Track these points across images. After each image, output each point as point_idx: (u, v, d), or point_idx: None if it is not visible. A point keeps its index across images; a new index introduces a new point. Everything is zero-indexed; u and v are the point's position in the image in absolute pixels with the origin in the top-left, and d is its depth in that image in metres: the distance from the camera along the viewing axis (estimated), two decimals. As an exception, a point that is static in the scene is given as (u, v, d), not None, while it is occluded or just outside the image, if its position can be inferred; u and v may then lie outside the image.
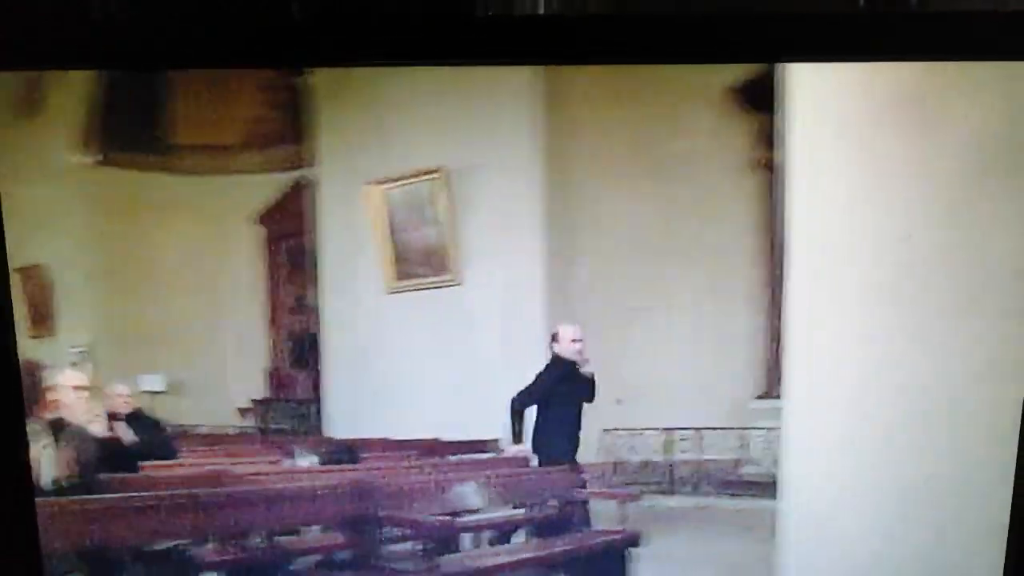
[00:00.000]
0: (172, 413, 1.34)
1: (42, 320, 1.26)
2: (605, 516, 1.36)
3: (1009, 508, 1.20)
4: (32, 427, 1.05)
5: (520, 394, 1.37)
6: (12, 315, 1.10)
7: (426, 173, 1.33)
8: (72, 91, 1.23)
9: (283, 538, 1.30)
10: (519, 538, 1.50)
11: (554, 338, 1.37)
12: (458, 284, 1.37)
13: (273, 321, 1.43)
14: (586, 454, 1.34)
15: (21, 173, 1.17)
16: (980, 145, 1.16)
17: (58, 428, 1.18)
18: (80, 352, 1.28)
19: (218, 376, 1.38)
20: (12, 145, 1.11)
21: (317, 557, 1.34)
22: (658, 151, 1.20)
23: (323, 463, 1.38)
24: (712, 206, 1.24)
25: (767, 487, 1.37)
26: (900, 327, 1.23)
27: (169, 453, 1.30)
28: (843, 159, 1.20)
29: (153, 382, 1.32)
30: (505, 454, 1.39)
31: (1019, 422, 1.16)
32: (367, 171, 1.34)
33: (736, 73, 1.19)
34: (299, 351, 1.43)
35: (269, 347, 1.43)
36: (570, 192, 1.31)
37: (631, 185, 1.24)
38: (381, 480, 1.30)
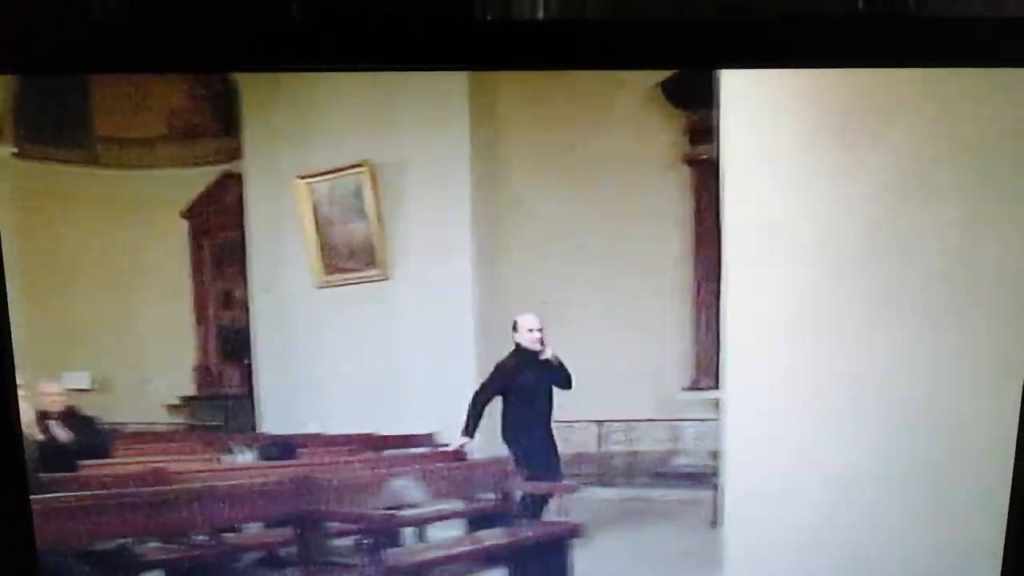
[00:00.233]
0: (99, 411, 1.44)
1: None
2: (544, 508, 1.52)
3: (937, 496, 1.42)
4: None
5: (480, 387, 1.49)
6: (7, 314, 1.18)
7: (352, 167, 1.46)
8: (-13, 81, 1.38)
9: (227, 535, 1.43)
10: (462, 531, 1.59)
11: (514, 327, 1.48)
12: (387, 279, 1.51)
13: (201, 317, 1.56)
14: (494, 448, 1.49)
15: (-66, 166, 1.32)
16: (919, 144, 1.34)
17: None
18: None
19: (145, 373, 1.50)
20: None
21: (261, 553, 1.47)
22: (586, 147, 1.33)
23: (261, 459, 1.51)
24: (640, 202, 1.38)
25: (701, 477, 1.58)
26: (828, 321, 1.43)
27: (105, 451, 1.43)
28: (777, 154, 1.38)
29: (78, 380, 1.41)
30: (450, 447, 1.53)
31: (949, 407, 1.38)
32: (293, 164, 1.47)
33: (666, 71, 1.39)
34: (228, 347, 1.57)
35: (197, 343, 1.57)
36: (498, 188, 1.43)
37: (559, 181, 1.38)
38: (322, 475, 1.43)
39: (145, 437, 1.53)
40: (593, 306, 1.44)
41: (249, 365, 1.54)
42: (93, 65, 1.18)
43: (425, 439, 1.52)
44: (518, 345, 1.48)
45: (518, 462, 1.53)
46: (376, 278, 1.52)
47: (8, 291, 1.39)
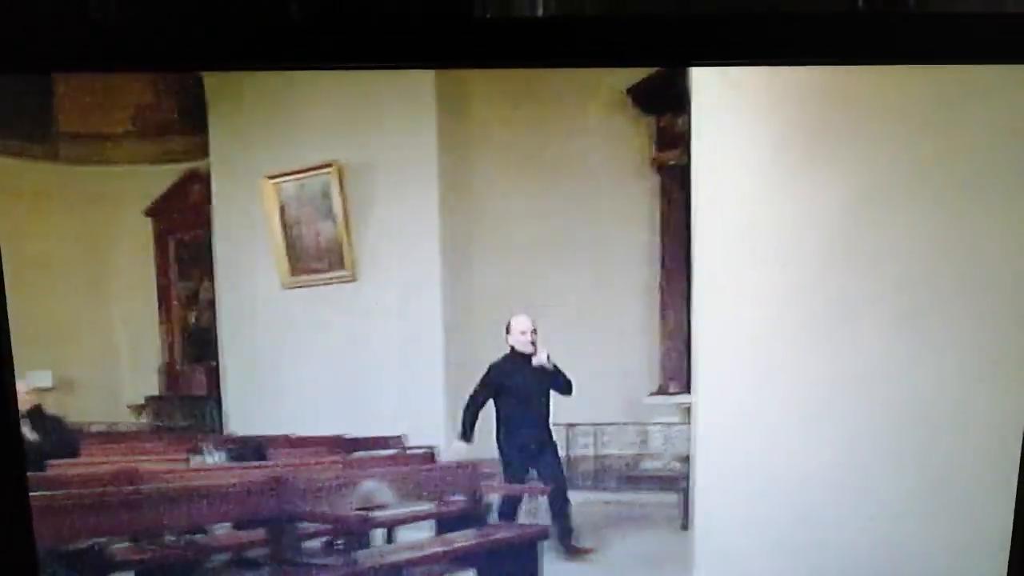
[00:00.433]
0: (62, 410, 1.58)
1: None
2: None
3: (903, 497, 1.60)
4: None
5: (473, 391, 1.61)
6: (5, 315, 1.34)
7: (319, 167, 1.58)
8: (-55, 75, 1.37)
9: (198, 536, 1.57)
10: (432, 532, 1.74)
11: (507, 329, 1.60)
12: (355, 280, 1.64)
13: (165, 316, 1.67)
14: (489, 449, 1.64)
15: None
16: (890, 150, 1.50)
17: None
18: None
19: (109, 372, 1.62)
20: None
21: (233, 554, 1.60)
22: (554, 150, 1.45)
23: (230, 460, 1.65)
24: (609, 206, 1.49)
25: (670, 481, 1.77)
26: (797, 325, 1.60)
27: (73, 451, 1.56)
28: (749, 159, 1.54)
29: (40, 379, 1.55)
30: (449, 453, 1.65)
31: (919, 409, 1.55)
32: (260, 164, 1.58)
33: (637, 74, 1.41)
34: (194, 347, 1.68)
35: (162, 343, 1.68)
36: (466, 190, 1.55)
37: (528, 184, 1.49)
38: (292, 476, 1.57)
39: (112, 437, 1.64)
40: (561, 309, 1.56)
41: (216, 365, 1.66)
42: (91, 64, 1.31)
43: (395, 441, 1.64)
44: (512, 348, 1.61)
45: (512, 465, 1.66)
46: (344, 279, 1.64)
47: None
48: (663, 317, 1.55)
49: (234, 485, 1.57)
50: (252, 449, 1.68)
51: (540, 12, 1.33)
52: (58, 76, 1.50)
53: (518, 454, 1.66)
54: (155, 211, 1.63)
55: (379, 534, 1.73)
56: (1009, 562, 1.44)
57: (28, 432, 1.52)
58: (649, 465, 1.64)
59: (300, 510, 1.61)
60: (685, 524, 1.56)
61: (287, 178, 1.61)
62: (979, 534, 1.48)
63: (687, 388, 1.52)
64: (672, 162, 1.49)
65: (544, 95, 1.42)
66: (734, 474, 1.55)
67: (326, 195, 1.61)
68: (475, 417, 1.63)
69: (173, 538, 1.57)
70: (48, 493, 1.45)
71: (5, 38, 1.16)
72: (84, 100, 1.53)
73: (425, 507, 1.75)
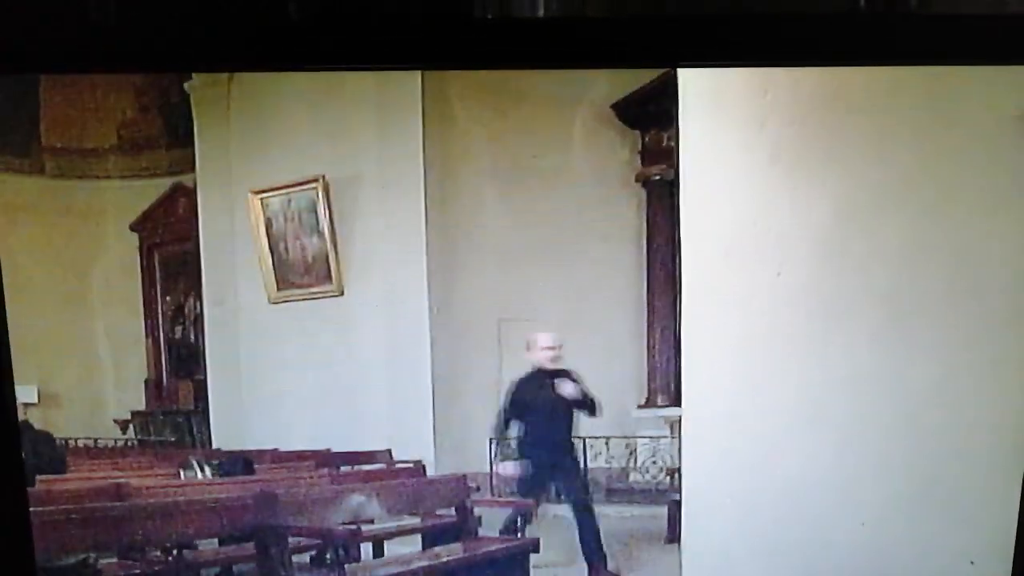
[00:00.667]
0: (48, 425, 1.59)
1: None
2: (500, 524, 1.71)
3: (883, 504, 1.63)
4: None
5: (500, 411, 1.62)
6: (5, 319, 1.35)
7: (305, 182, 1.62)
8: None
9: (188, 551, 1.58)
10: (419, 546, 1.76)
11: (528, 346, 1.61)
12: (341, 294, 1.67)
13: (151, 330, 1.71)
14: (476, 463, 1.67)
15: None
16: (872, 166, 1.54)
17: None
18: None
19: (95, 387, 1.64)
20: None
21: (221, 569, 1.63)
22: (540, 164, 1.48)
23: (219, 475, 1.68)
24: (595, 219, 1.53)
25: (657, 494, 1.81)
26: (784, 338, 1.64)
27: (61, 466, 1.59)
28: (736, 171, 1.58)
29: (25, 394, 1.55)
30: (499, 472, 1.69)
31: (902, 419, 1.59)
32: (246, 178, 1.61)
33: (622, 89, 1.47)
34: (180, 361, 1.73)
35: (148, 357, 1.72)
36: (452, 204, 1.59)
37: (513, 198, 1.52)
38: (282, 491, 1.59)
39: (100, 452, 1.68)
40: (547, 323, 1.59)
41: (202, 380, 1.69)
42: (88, 65, 1.32)
43: (382, 455, 1.68)
44: (536, 366, 1.61)
45: (533, 480, 1.68)
46: (330, 293, 1.68)
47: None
48: (650, 329, 1.59)
49: (223, 500, 1.60)
50: (240, 464, 1.71)
51: (540, 13, 1.37)
52: (44, 89, 1.53)
53: (539, 469, 1.68)
54: (141, 225, 1.66)
55: (368, 548, 1.75)
56: (1012, 572, 1.47)
57: (15, 446, 1.54)
58: (638, 478, 1.68)
59: (289, 524, 1.64)
60: (672, 538, 1.60)
61: (273, 193, 1.64)
62: (975, 540, 1.52)
63: (675, 400, 1.55)
64: (658, 176, 1.53)
65: (530, 109, 1.46)
66: (723, 485, 1.59)
67: (312, 210, 1.65)
68: (507, 436, 1.67)
69: (160, 553, 1.60)
70: (38, 508, 1.48)
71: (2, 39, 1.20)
72: (70, 114, 1.56)
73: (413, 521, 1.78)
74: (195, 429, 1.71)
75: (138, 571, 1.58)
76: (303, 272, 1.69)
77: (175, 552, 1.60)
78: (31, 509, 1.44)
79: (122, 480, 1.63)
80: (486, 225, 1.56)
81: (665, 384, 1.55)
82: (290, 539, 1.65)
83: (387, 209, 1.62)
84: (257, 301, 1.69)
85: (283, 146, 1.57)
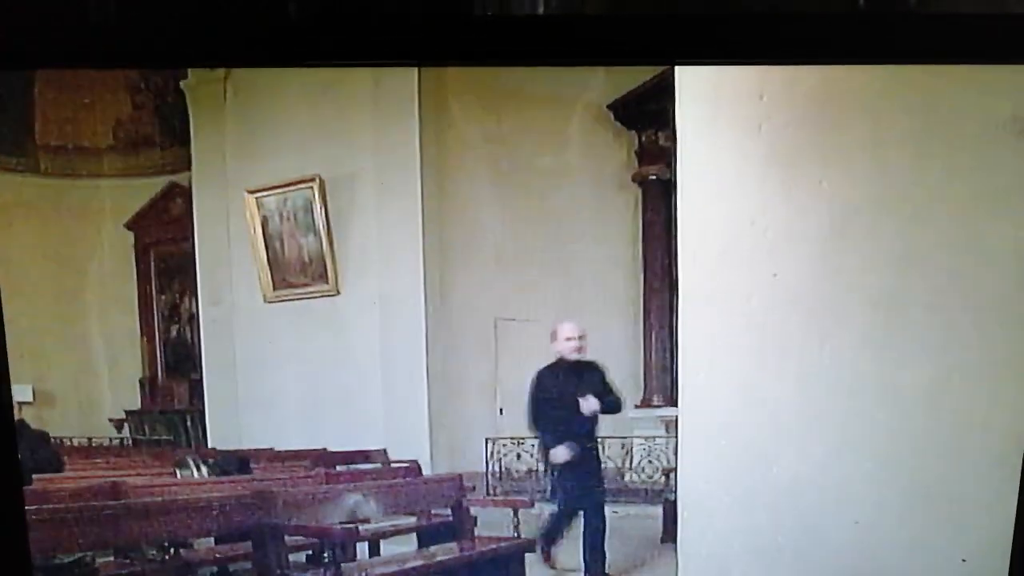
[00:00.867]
0: (43, 424, 1.62)
1: None
2: (496, 523, 1.73)
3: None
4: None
5: (528, 401, 1.62)
6: (2, 323, 1.47)
7: (301, 182, 1.64)
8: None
9: (184, 550, 1.63)
10: (414, 545, 1.79)
11: (552, 336, 1.60)
12: (337, 294, 1.70)
13: (146, 329, 1.74)
14: (472, 463, 1.71)
15: None
16: (876, 158, 1.57)
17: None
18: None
19: (90, 386, 1.68)
20: None
21: (218, 567, 1.67)
22: (537, 164, 1.51)
23: (215, 474, 1.70)
24: (591, 219, 1.55)
25: (653, 494, 1.84)
26: (782, 337, 1.67)
27: (58, 465, 1.61)
28: (733, 173, 1.60)
29: (20, 393, 1.52)
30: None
31: (893, 421, 1.62)
32: (242, 177, 1.64)
33: (619, 89, 1.48)
34: (175, 360, 1.75)
35: (143, 356, 1.74)
36: (448, 203, 1.62)
37: (510, 198, 1.55)
38: (278, 490, 1.61)
39: (96, 451, 1.71)
40: (545, 323, 1.59)
41: (197, 379, 1.72)
42: (86, 61, 1.32)
43: (378, 454, 1.70)
44: (559, 355, 1.60)
45: (552, 472, 1.69)
46: (326, 293, 1.70)
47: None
48: (647, 329, 1.61)
49: (220, 499, 1.63)
50: (236, 463, 1.73)
51: (540, 10, 1.39)
52: (40, 88, 1.55)
53: (561, 463, 1.68)
54: (136, 224, 1.68)
55: (364, 548, 1.78)
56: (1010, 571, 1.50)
57: (10, 446, 1.57)
58: (634, 478, 1.70)
59: (285, 523, 1.67)
60: (667, 537, 1.63)
61: (269, 192, 1.66)
62: (966, 538, 1.54)
63: (671, 401, 1.58)
64: (654, 176, 1.56)
65: (527, 109, 1.48)
66: (718, 485, 1.61)
67: (308, 209, 1.67)
68: (552, 408, 1.66)
69: (156, 552, 1.63)
70: (35, 507, 1.51)
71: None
72: (66, 113, 1.59)
73: (409, 520, 1.81)
74: (190, 428, 1.73)
75: (135, 569, 1.60)
76: (299, 271, 1.72)
77: (172, 551, 1.63)
78: (29, 508, 1.47)
79: (117, 479, 1.66)
80: (482, 224, 1.58)
81: (661, 384, 1.58)
82: (287, 538, 1.68)
83: (383, 208, 1.65)
84: (253, 300, 1.71)
85: (279, 145, 1.60)
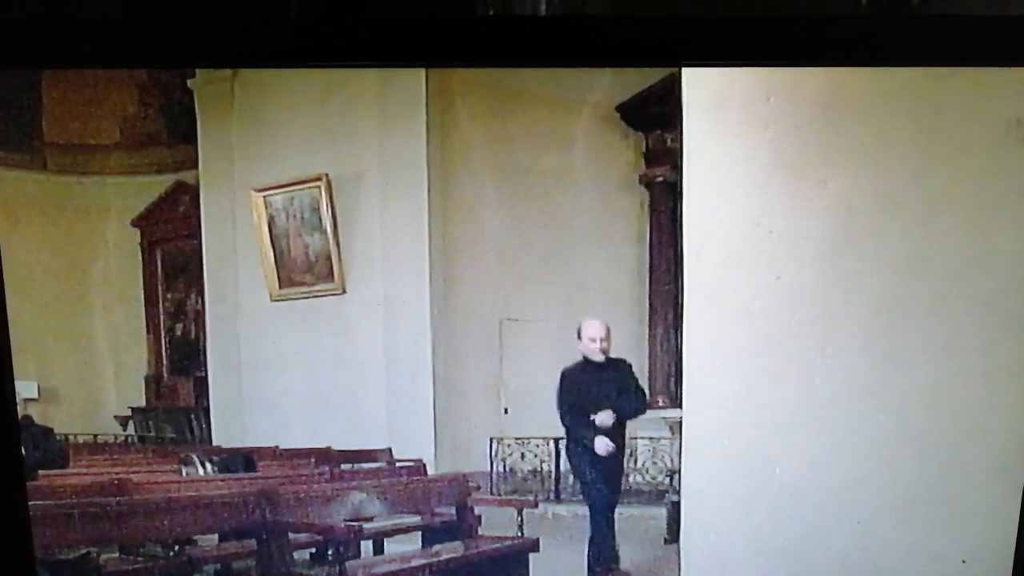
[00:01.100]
0: (48, 421, 1.65)
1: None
2: (500, 523, 1.77)
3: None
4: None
5: (557, 403, 1.64)
6: (5, 315, 1.42)
7: (308, 180, 1.66)
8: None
9: (188, 547, 1.66)
10: (419, 544, 1.83)
11: (577, 334, 1.62)
12: (342, 293, 1.72)
13: (152, 327, 1.76)
14: (477, 462, 1.74)
15: None
16: (881, 160, 1.59)
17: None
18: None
19: (95, 383, 1.70)
20: None
21: (222, 565, 1.69)
22: (544, 165, 1.53)
23: (220, 471, 1.73)
24: (597, 221, 1.57)
25: (656, 495, 1.87)
26: (787, 340, 1.70)
27: (63, 461, 1.65)
28: (739, 176, 1.63)
29: (25, 389, 1.61)
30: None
31: (895, 425, 1.65)
32: (248, 176, 1.65)
33: (627, 90, 1.49)
34: (181, 358, 1.78)
35: (149, 354, 1.77)
36: (455, 204, 1.63)
37: (517, 198, 1.56)
38: (283, 488, 1.67)
39: (101, 448, 1.73)
40: (550, 324, 1.64)
41: (202, 377, 1.74)
42: (87, 62, 1.40)
43: (382, 454, 1.72)
44: (583, 355, 1.63)
45: (577, 475, 1.72)
46: (332, 292, 1.73)
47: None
48: (652, 331, 1.64)
49: (224, 496, 1.66)
50: (241, 461, 1.76)
51: (543, 10, 1.41)
52: (47, 85, 1.58)
53: (586, 464, 1.72)
54: (143, 222, 1.71)
55: (367, 546, 1.81)
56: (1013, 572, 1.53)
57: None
58: (637, 479, 1.73)
59: (289, 521, 1.71)
60: (671, 538, 1.66)
61: (276, 191, 1.69)
62: (967, 540, 1.58)
63: (676, 402, 1.61)
64: (660, 178, 1.58)
65: (534, 110, 1.51)
66: (722, 487, 1.65)
67: (314, 208, 1.70)
68: (577, 412, 1.69)
69: (161, 549, 1.66)
70: (40, 503, 1.55)
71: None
72: (73, 110, 1.61)
73: (414, 519, 1.84)
74: (195, 426, 1.76)
75: (139, 566, 1.64)
76: (305, 270, 1.75)
77: (176, 548, 1.66)
78: (34, 503, 1.50)
79: (122, 476, 1.69)
80: (489, 225, 1.61)
81: (665, 386, 1.61)
82: (291, 536, 1.71)
83: (389, 208, 1.67)
84: (259, 299, 1.74)
85: (286, 144, 1.62)
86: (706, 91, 1.51)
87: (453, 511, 1.81)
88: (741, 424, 1.64)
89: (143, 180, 1.67)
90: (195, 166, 1.66)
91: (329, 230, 1.69)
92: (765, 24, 1.32)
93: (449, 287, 1.68)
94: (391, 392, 1.70)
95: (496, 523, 1.76)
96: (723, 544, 1.67)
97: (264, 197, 1.68)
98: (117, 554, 1.63)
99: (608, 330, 1.63)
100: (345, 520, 1.75)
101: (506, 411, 1.71)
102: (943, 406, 1.55)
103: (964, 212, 1.50)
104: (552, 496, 1.76)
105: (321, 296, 1.73)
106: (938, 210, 1.50)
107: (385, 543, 1.82)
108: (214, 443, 1.74)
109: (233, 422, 1.74)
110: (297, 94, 1.57)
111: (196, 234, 1.69)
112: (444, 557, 1.81)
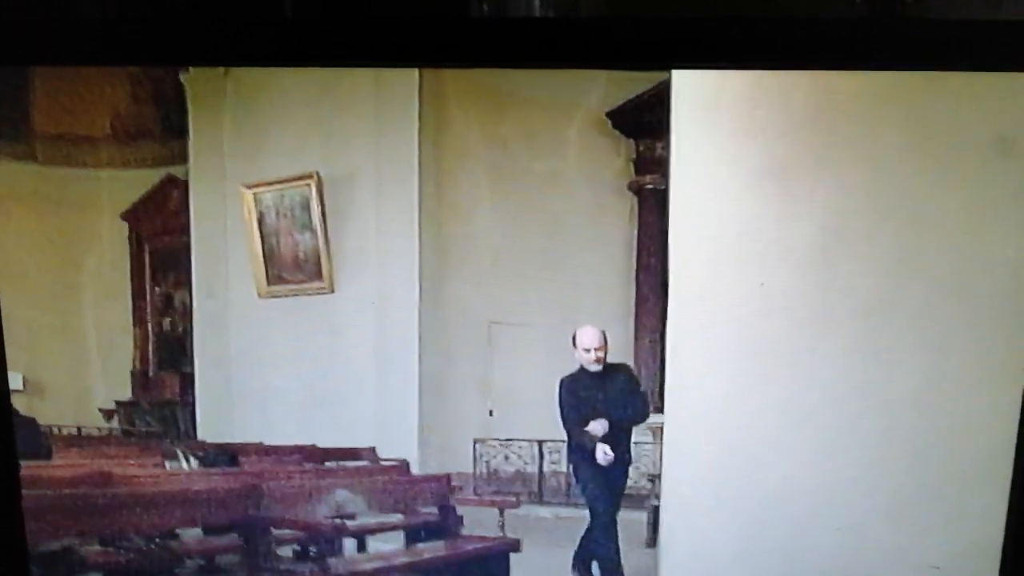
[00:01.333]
0: (32, 413, 1.68)
1: None
2: (482, 524, 1.79)
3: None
4: None
5: (560, 411, 1.65)
6: None
7: (298, 178, 1.68)
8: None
9: (172, 541, 1.68)
10: (401, 543, 1.85)
11: (572, 342, 1.64)
12: (331, 291, 1.74)
13: (139, 321, 1.76)
14: (461, 463, 1.75)
15: None
16: (869, 167, 1.61)
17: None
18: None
19: (80, 376, 1.72)
20: None
21: (205, 560, 1.72)
22: (535, 169, 1.55)
23: (204, 466, 1.76)
24: (586, 226, 1.59)
25: (637, 498, 1.90)
26: (771, 346, 1.72)
27: (46, 453, 1.67)
28: (727, 184, 1.65)
29: (11, 380, 1.62)
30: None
31: (877, 431, 1.68)
32: (239, 173, 1.67)
33: (617, 97, 1.51)
34: (167, 353, 1.78)
35: (135, 348, 1.77)
36: (445, 205, 1.65)
37: (507, 202, 1.59)
38: (267, 484, 1.69)
39: (85, 440, 1.75)
40: (537, 327, 1.66)
41: (189, 372, 1.75)
42: (83, 59, 1.41)
43: (367, 452, 1.74)
44: (580, 365, 1.64)
45: (579, 482, 1.72)
46: (320, 290, 1.74)
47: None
48: (638, 336, 1.67)
49: (208, 491, 1.68)
50: (226, 456, 1.77)
51: (537, 12, 1.43)
52: (37, 77, 1.59)
53: (589, 477, 1.73)
54: (132, 215, 1.72)
55: (351, 544, 1.84)
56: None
57: None
58: (621, 483, 1.76)
59: (273, 517, 1.73)
60: (651, 541, 1.69)
61: (266, 188, 1.70)
62: (947, 545, 1.61)
63: (660, 408, 1.64)
64: (650, 186, 1.61)
65: (527, 113, 1.53)
66: (702, 492, 1.67)
67: (305, 206, 1.71)
68: (577, 422, 1.71)
69: (144, 542, 1.68)
70: (22, 493, 1.56)
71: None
72: (63, 101, 1.62)
73: (397, 518, 1.87)
74: (181, 421, 1.78)
75: (122, 559, 1.65)
76: (294, 268, 1.76)
77: (159, 541, 1.68)
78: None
79: (105, 468, 1.71)
80: (479, 228, 1.63)
81: (650, 391, 1.64)
82: (274, 532, 1.73)
83: (380, 208, 1.69)
84: (247, 295, 1.75)
85: (278, 142, 1.64)
86: (695, 97, 1.54)
87: (436, 511, 1.83)
88: (726, 428, 1.67)
89: (133, 174, 1.68)
90: (186, 161, 1.67)
91: (319, 228, 1.71)
92: (759, 27, 1.35)
93: (438, 289, 1.71)
94: (378, 392, 1.72)
95: (478, 524, 1.78)
96: (707, 547, 1.70)
97: (254, 194, 1.69)
98: (99, 546, 1.63)
99: (604, 338, 1.65)
100: (328, 517, 1.77)
101: (491, 413, 1.73)
102: (930, 410, 1.59)
103: (953, 217, 1.54)
104: (535, 498, 1.79)
105: (310, 294, 1.75)
106: (927, 215, 1.53)
107: (368, 541, 1.84)
108: (199, 438, 1.76)
109: (219, 418, 1.76)
110: (291, 91, 1.58)
111: (185, 229, 1.70)
112: (426, 556, 1.84)
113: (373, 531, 1.86)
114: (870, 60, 1.37)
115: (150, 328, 1.79)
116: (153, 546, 1.66)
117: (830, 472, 1.63)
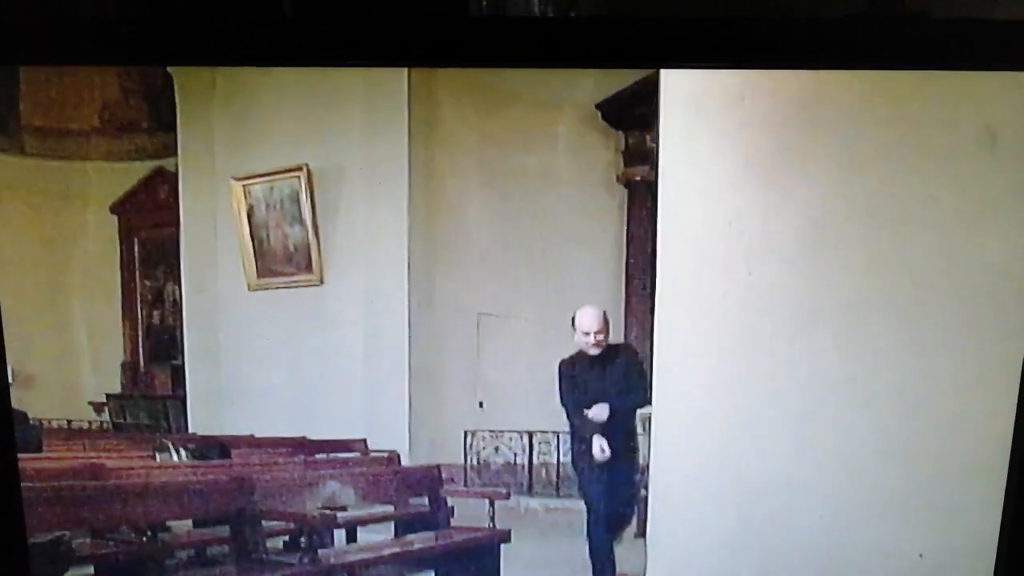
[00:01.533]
0: (22, 406, 1.64)
1: None
2: (472, 515, 1.81)
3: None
4: None
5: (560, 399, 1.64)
6: None
7: (288, 171, 1.68)
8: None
9: (162, 533, 1.70)
10: (391, 534, 1.88)
11: (572, 325, 1.64)
12: (320, 284, 1.75)
13: (129, 314, 1.78)
14: (451, 455, 1.77)
15: None
16: (856, 162, 1.63)
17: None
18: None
19: (71, 369, 1.73)
20: None
21: (196, 551, 1.75)
22: (525, 162, 1.56)
23: (195, 458, 1.77)
24: (576, 219, 1.61)
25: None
26: (758, 339, 1.75)
27: (37, 446, 1.67)
28: (714, 176, 1.67)
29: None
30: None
31: (861, 423, 1.71)
32: (228, 164, 1.67)
33: (607, 89, 1.53)
34: (157, 346, 1.80)
35: (125, 341, 1.79)
36: (435, 198, 1.65)
37: (497, 195, 1.60)
38: (258, 475, 1.72)
39: (75, 433, 1.76)
40: (527, 320, 1.68)
41: (179, 365, 1.76)
42: (79, 59, 1.42)
43: (357, 444, 1.76)
44: (579, 349, 1.64)
45: (584, 478, 1.73)
46: (310, 283, 1.76)
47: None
48: (627, 328, 1.69)
49: (199, 483, 1.69)
50: (216, 448, 1.79)
51: (536, 11, 1.45)
52: (25, 69, 1.59)
53: (587, 466, 1.74)
54: (121, 208, 1.73)
55: (340, 535, 1.85)
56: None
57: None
58: (609, 473, 1.78)
59: (263, 509, 1.74)
60: (641, 532, 1.71)
61: (255, 180, 1.71)
62: (930, 535, 1.63)
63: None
64: (639, 178, 1.63)
65: (516, 107, 1.54)
66: (689, 483, 1.69)
67: (294, 199, 1.72)
68: (575, 407, 1.70)
69: (134, 534, 1.69)
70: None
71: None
72: (51, 94, 1.62)
73: (387, 509, 1.89)
74: (171, 413, 1.79)
75: (112, 551, 1.67)
76: (284, 260, 1.77)
77: (149, 533, 1.69)
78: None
79: (96, 460, 1.72)
80: (469, 220, 1.64)
81: (640, 381, 1.66)
82: (264, 523, 1.75)
83: (370, 202, 1.70)
84: (237, 288, 1.76)
85: (267, 134, 1.64)
86: (684, 91, 1.55)
87: (426, 502, 1.85)
88: (714, 419, 1.69)
89: (122, 166, 1.69)
90: (175, 153, 1.67)
91: (309, 221, 1.72)
92: (748, 26, 1.36)
93: (428, 282, 1.72)
94: (368, 384, 1.74)
95: (469, 515, 1.80)
96: (695, 537, 1.72)
97: (244, 186, 1.70)
98: (90, 539, 1.65)
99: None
100: (319, 508, 1.79)
101: (481, 405, 1.75)
102: (915, 404, 1.61)
103: (940, 211, 1.55)
104: (525, 489, 1.81)
105: (300, 286, 1.76)
106: (913, 210, 1.55)
107: (358, 532, 1.86)
108: (190, 431, 1.77)
109: (209, 410, 1.77)
110: (280, 86, 1.59)
111: (175, 222, 1.71)
112: (416, 547, 1.86)
113: (364, 522, 1.88)
114: (869, 60, 1.39)
115: (140, 321, 1.79)
116: (144, 538, 1.67)
117: (816, 464, 1.65)
